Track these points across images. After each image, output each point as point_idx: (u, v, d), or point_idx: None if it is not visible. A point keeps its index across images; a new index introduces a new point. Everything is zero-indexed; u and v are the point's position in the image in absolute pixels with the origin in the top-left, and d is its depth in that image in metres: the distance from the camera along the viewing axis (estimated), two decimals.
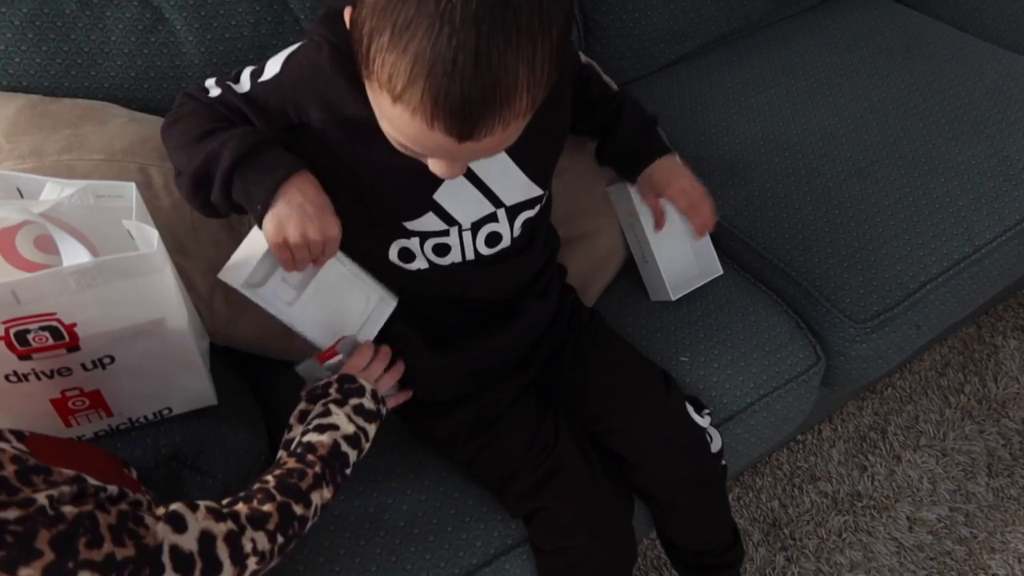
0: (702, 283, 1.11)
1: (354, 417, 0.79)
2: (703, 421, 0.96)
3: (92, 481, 0.57)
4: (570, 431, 0.92)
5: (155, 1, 1.01)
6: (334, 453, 0.75)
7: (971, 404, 1.53)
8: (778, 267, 1.17)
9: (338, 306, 0.86)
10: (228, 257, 0.94)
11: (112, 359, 0.76)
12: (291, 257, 0.74)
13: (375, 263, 0.86)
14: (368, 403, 0.81)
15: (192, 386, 0.86)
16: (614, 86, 1.06)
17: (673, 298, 1.08)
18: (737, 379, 1.05)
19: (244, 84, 0.79)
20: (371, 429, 0.80)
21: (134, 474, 0.78)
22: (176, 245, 0.91)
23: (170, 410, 0.86)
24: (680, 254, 1.13)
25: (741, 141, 1.33)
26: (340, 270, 0.86)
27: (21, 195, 0.74)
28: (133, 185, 0.74)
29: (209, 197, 0.75)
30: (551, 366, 0.96)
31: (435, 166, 0.69)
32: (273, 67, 0.78)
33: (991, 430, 1.49)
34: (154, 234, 0.70)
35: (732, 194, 1.25)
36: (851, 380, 1.18)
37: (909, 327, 1.15)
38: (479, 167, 0.81)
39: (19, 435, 0.67)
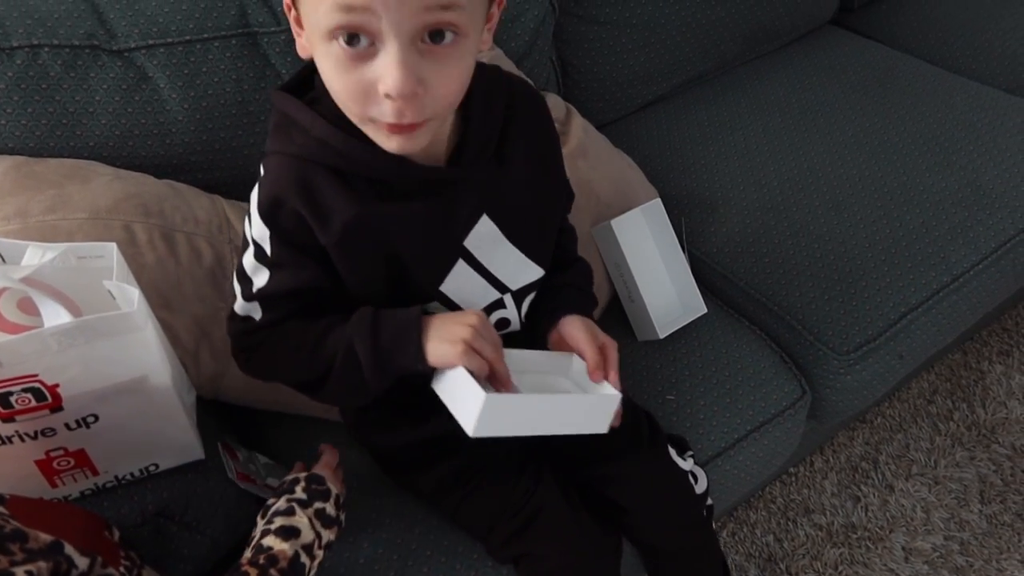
0: (687, 321, 1.12)
1: (315, 522, 0.79)
2: (685, 464, 0.96)
3: (68, 549, 0.57)
4: (553, 476, 0.92)
5: (138, 61, 1.03)
6: (293, 566, 0.75)
7: (961, 431, 1.53)
8: (760, 302, 1.19)
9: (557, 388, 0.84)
10: (213, 311, 0.96)
11: (96, 418, 0.77)
12: (481, 358, 0.73)
13: None
14: (330, 509, 0.81)
15: (178, 441, 0.86)
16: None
17: (661, 336, 1.09)
18: (724, 416, 1.06)
19: (259, 270, 0.76)
20: (327, 535, 0.80)
21: (116, 536, 0.77)
22: (161, 300, 0.92)
23: (157, 466, 0.86)
24: (665, 293, 1.14)
25: (720, 178, 1.35)
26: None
27: (3, 260, 0.74)
28: (114, 245, 0.75)
29: (367, 394, 0.77)
30: None
31: (387, 64, 0.61)
32: (261, 230, 0.74)
33: (982, 456, 1.49)
34: (135, 293, 0.71)
35: (713, 231, 1.27)
36: (838, 412, 1.18)
37: (892, 357, 1.16)
38: (482, 254, 0.81)
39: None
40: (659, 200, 1.17)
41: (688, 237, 1.26)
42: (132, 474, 0.85)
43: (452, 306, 0.82)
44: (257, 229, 0.74)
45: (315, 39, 0.64)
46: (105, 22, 1.01)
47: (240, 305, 0.78)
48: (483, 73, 0.74)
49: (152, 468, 0.86)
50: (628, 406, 0.96)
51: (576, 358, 0.84)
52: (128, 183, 0.99)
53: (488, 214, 0.80)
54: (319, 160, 0.72)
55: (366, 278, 0.77)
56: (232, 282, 0.79)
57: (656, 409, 1.03)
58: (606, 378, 0.82)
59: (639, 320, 1.12)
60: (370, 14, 0.59)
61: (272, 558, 0.74)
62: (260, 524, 0.79)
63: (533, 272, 0.86)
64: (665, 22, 1.42)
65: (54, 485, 0.81)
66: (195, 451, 0.88)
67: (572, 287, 0.89)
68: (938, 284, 1.18)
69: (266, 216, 0.73)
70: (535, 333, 0.89)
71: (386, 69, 0.61)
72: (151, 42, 1.02)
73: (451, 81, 0.65)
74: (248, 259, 0.76)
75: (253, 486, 0.91)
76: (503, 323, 0.87)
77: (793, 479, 1.46)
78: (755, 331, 1.17)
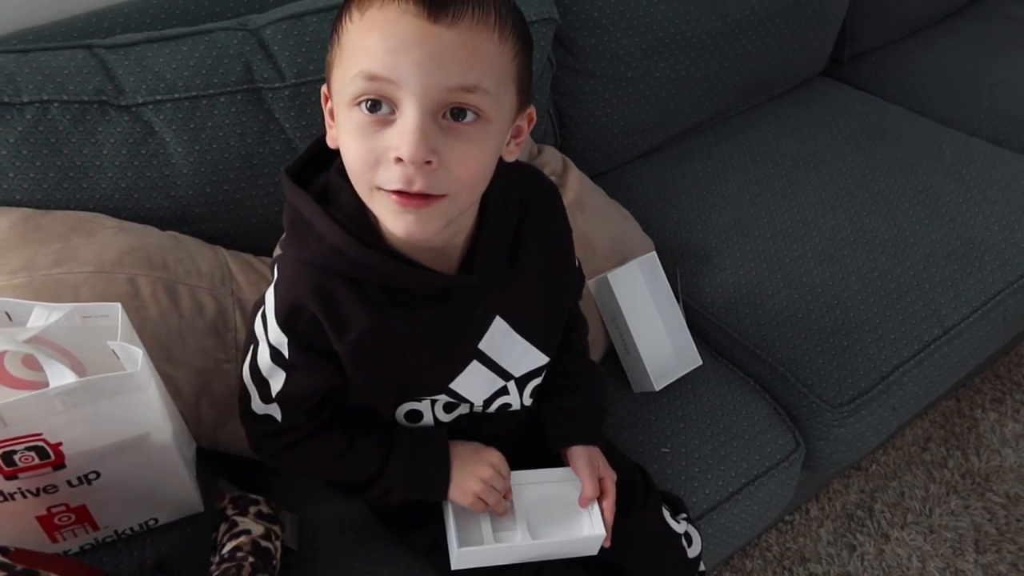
0: (682, 373, 1.13)
1: (259, 520, 0.84)
2: (679, 527, 0.96)
3: None
4: None
5: (145, 115, 1.05)
6: (257, 548, 0.80)
7: (955, 479, 1.54)
8: (754, 353, 1.20)
9: (554, 507, 0.90)
10: (214, 363, 0.97)
11: (97, 474, 0.78)
12: (485, 504, 0.83)
13: (378, 419, 0.86)
14: (265, 508, 0.87)
15: (178, 496, 0.87)
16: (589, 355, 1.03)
17: (656, 388, 1.11)
18: (718, 469, 1.07)
19: (275, 372, 0.77)
20: (277, 529, 0.85)
21: None
22: (164, 353, 0.93)
23: (156, 520, 0.87)
24: (660, 346, 1.16)
25: (713, 228, 1.37)
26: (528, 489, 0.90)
27: (10, 319, 0.76)
28: (118, 306, 0.76)
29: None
30: (532, 467, 0.97)
31: (402, 130, 0.62)
32: (278, 336, 0.75)
33: (976, 505, 1.49)
34: (138, 353, 0.73)
35: (707, 281, 1.29)
36: (831, 463, 1.19)
37: (885, 409, 1.17)
38: (493, 351, 0.82)
39: (4, 550, 0.69)
40: (655, 253, 1.19)
41: (683, 288, 1.28)
42: (132, 529, 0.86)
43: (458, 397, 0.84)
44: (274, 335, 0.75)
45: (341, 109, 0.66)
46: (114, 78, 1.04)
47: (258, 406, 0.79)
48: (501, 168, 0.75)
49: (152, 523, 0.86)
50: (622, 463, 0.97)
51: None
52: (132, 236, 1.00)
53: (500, 315, 0.81)
54: (334, 269, 0.72)
55: (375, 380, 0.79)
56: (243, 377, 0.80)
57: (651, 462, 1.03)
58: (601, 505, 0.88)
59: (635, 372, 1.14)
60: (393, 85, 0.62)
61: (235, 548, 0.79)
62: (215, 561, 0.81)
63: (538, 359, 0.87)
64: (660, 75, 1.45)
65: (55, 540, 0.81)
66: (195, 504, 0.89)
67: (585, 410, 0.94)
68: (929, 337, 1.20)
69: (284, 323, 0.74)
70: (546, 448, 0.94)
71: (401, 135, 0.62)
72: (158, 97, 1.05)
73: (468, 160, 0.65)
74: (264, 360, 0.77)
75: None
76: (504, 407, 0.88)
77: (789, 527, 1.46)
78: (749, 383, 1.18)
